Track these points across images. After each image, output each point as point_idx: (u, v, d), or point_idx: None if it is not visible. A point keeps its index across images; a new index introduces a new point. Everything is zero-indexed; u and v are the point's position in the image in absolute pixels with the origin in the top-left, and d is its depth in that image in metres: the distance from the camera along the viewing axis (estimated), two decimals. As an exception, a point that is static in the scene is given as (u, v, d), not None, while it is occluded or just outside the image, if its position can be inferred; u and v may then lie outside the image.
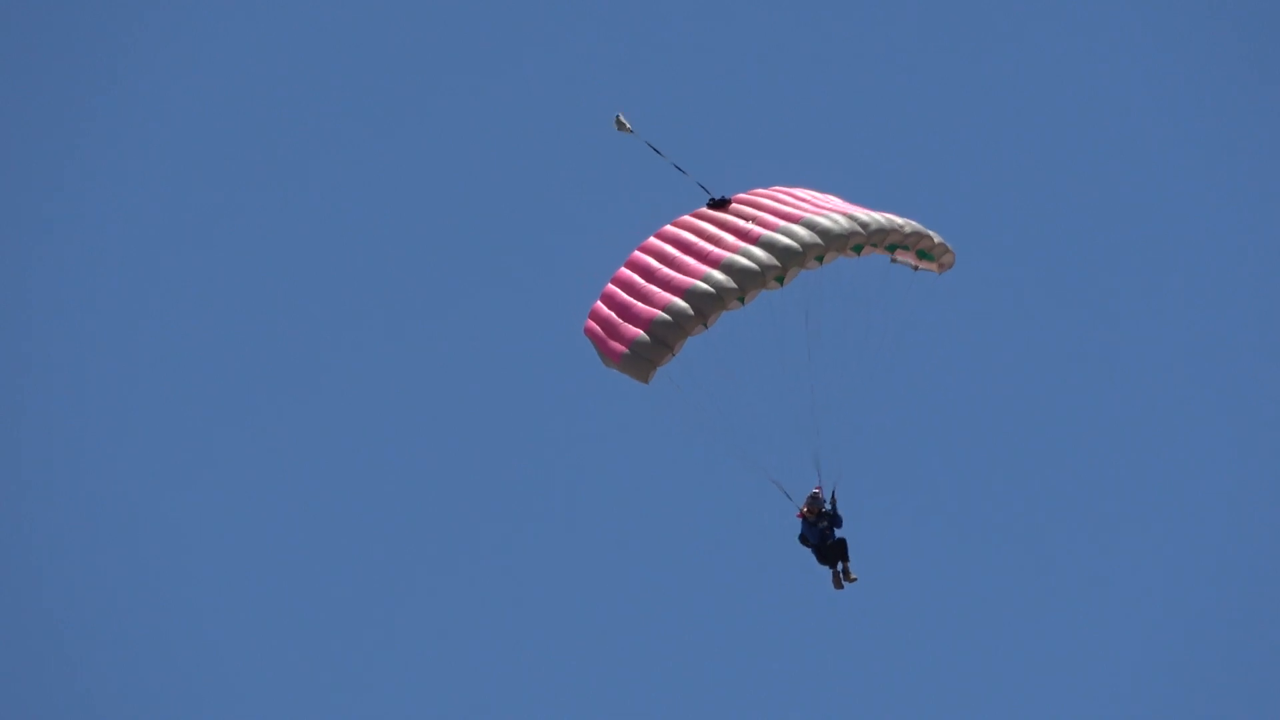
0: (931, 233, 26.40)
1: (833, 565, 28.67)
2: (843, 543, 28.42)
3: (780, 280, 25.53)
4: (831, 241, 25.19)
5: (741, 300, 25.76)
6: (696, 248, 26.41)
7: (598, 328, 26.46)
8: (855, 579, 28.77)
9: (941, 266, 26.99)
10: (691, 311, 25.68)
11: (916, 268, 27.03)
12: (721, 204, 27.01)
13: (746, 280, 25.39)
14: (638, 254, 26.89)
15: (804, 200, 26.68)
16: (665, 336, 25.78)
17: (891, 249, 26.32)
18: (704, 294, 25.75)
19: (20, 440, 78.01)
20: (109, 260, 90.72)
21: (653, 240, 26.92)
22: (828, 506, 28.14)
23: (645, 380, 25.89)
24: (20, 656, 66.13)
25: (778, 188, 27.46)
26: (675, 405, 26.48)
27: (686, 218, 27.19)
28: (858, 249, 25.74)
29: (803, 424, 26.94)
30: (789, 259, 25.33)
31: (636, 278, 26.56)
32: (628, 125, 27.62)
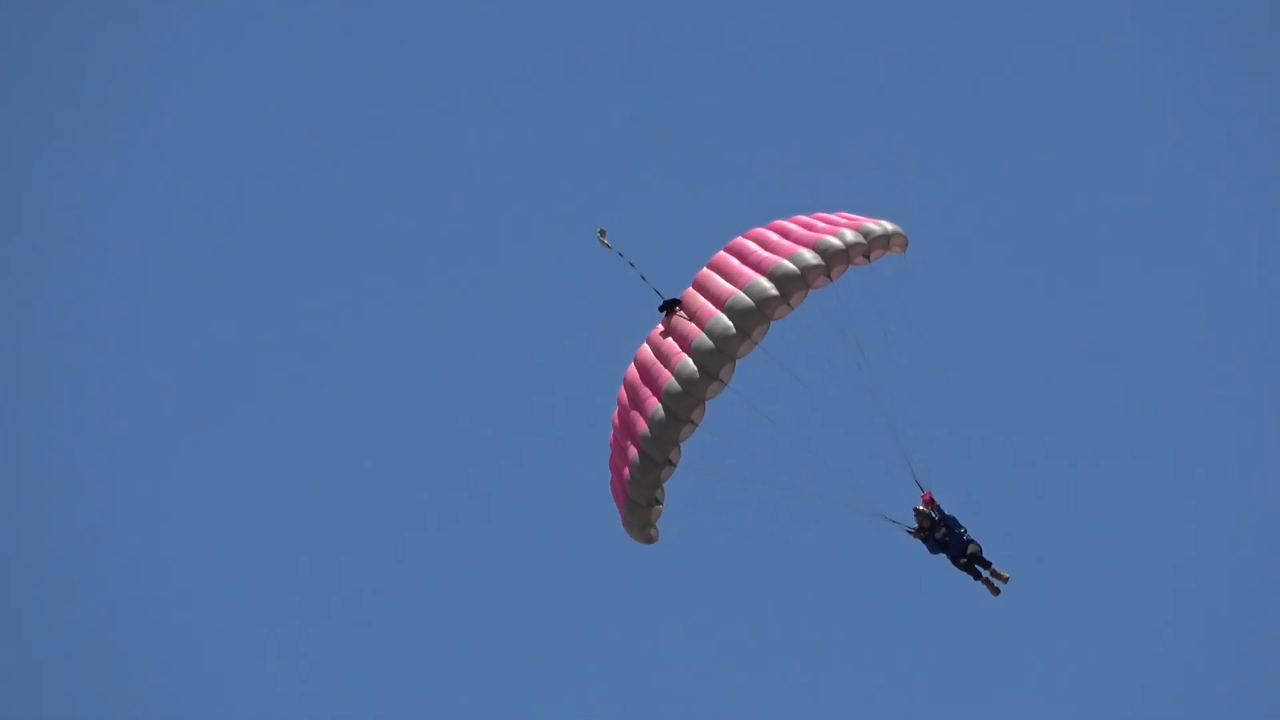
0: (864, 236, 24.03)
1: (977, 575, 25.85)
2: (973, 546, 25.57)
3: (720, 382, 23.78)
4: (761, 319, 23.46)
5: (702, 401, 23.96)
6: (652, 379, 24.63)
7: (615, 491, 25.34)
8: (1007, 578, 25.81)
9: (897, 247, 24.51)
10: (655, 458, 24.06)
11: (870, 260, 24.48)
12: (670, 306, 25.15)
13: (677, 413, 23.73)
14: (622, 393, 25.38)
15: (735, 272, 24.53)
16: (640, 494, 24.21)
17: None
18: (656, 430, 24.13)
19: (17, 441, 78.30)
20: (95, 259, 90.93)
21: (627, 380, 25.31)
22: (934, 515, 25.38)
23: (646, 539, 24.58)
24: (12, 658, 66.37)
25: (722, 254, 25.30)
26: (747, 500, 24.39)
27: (649, 341, 25.38)
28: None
29: (872, 444, 24.48)
30: (708, 373, 23.92)
31: (620, 423, 25.17)
32: (607, 242, 26.19)
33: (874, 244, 23.80)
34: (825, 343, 24.52)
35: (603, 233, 25.87)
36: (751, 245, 24.31)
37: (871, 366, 24.22)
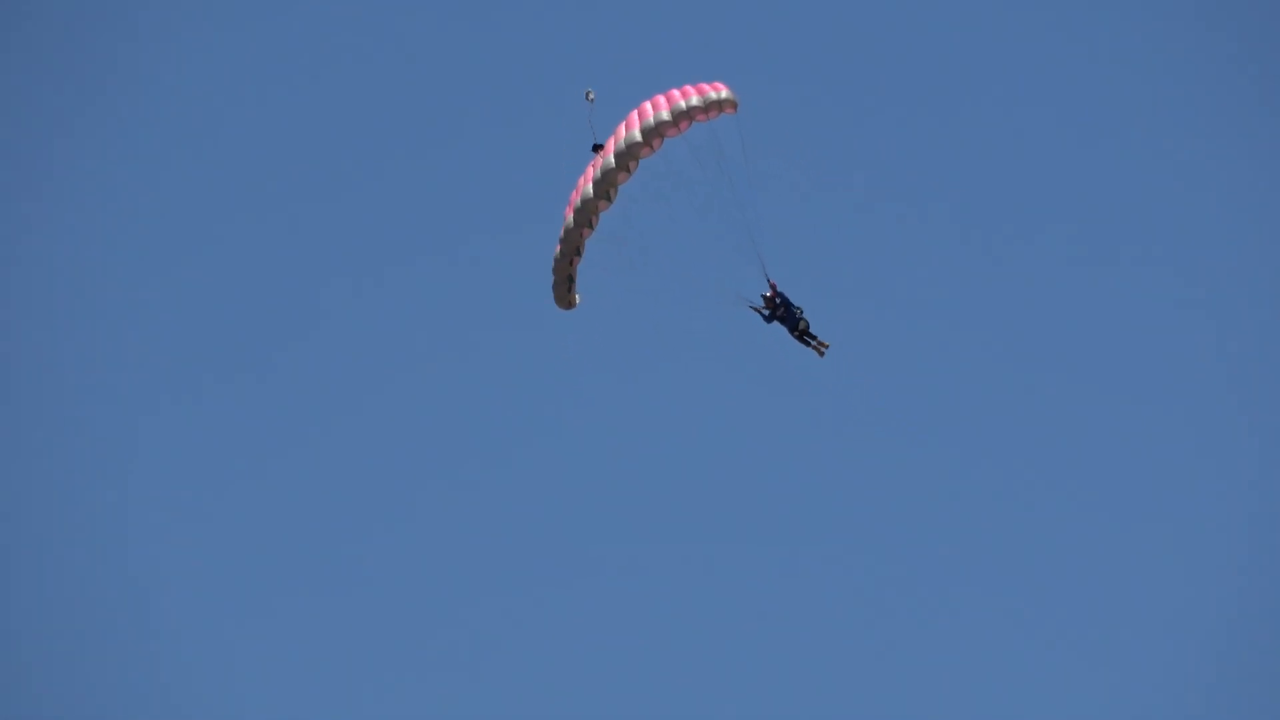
0: (697, 101, 34.29)
1: (807, 343, 35.95)
2: (803, 322, 35.72)
3: (613, 190, 34.03)
4: (627, 156, 33.73)
5: (608, 199, 34.17)
6: (575, 194, 35.32)
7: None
8: (828, 345, 35.90)
9: (731, 108, 34.74)
10: (572, 225, 34.33)
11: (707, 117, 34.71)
12: (595, 148, 35.71)
13: (589, 202, 34.01)
14: None
15: (617, 134, 35.02)
16: (561, 252, 34.65)
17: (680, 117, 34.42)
18: (575, 215, 34.44)
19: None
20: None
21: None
22: (777, 299, 35.51)
23: (563, 305, 34.61)
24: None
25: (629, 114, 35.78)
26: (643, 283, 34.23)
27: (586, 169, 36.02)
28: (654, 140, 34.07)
29: (738, 246, 34.46)
30: (606, 182, 34.21)
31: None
32: (592, 98, 36.19)
33: (691, 113, 34.53)
34: (702, 176, 34.74)
35: (589, 93, 35.84)
36: (633, 113, 35.18)
37: (735, 194, 34.38)
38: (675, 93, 34.93)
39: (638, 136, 34.33)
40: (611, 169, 34.37)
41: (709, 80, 35.21)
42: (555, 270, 35.37)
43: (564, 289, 35.26)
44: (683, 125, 34.57)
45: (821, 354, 35.98)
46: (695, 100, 34.60)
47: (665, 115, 34.51)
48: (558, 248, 35.21)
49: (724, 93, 34.99)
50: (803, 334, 35.89)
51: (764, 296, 35.94)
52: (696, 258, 34.48)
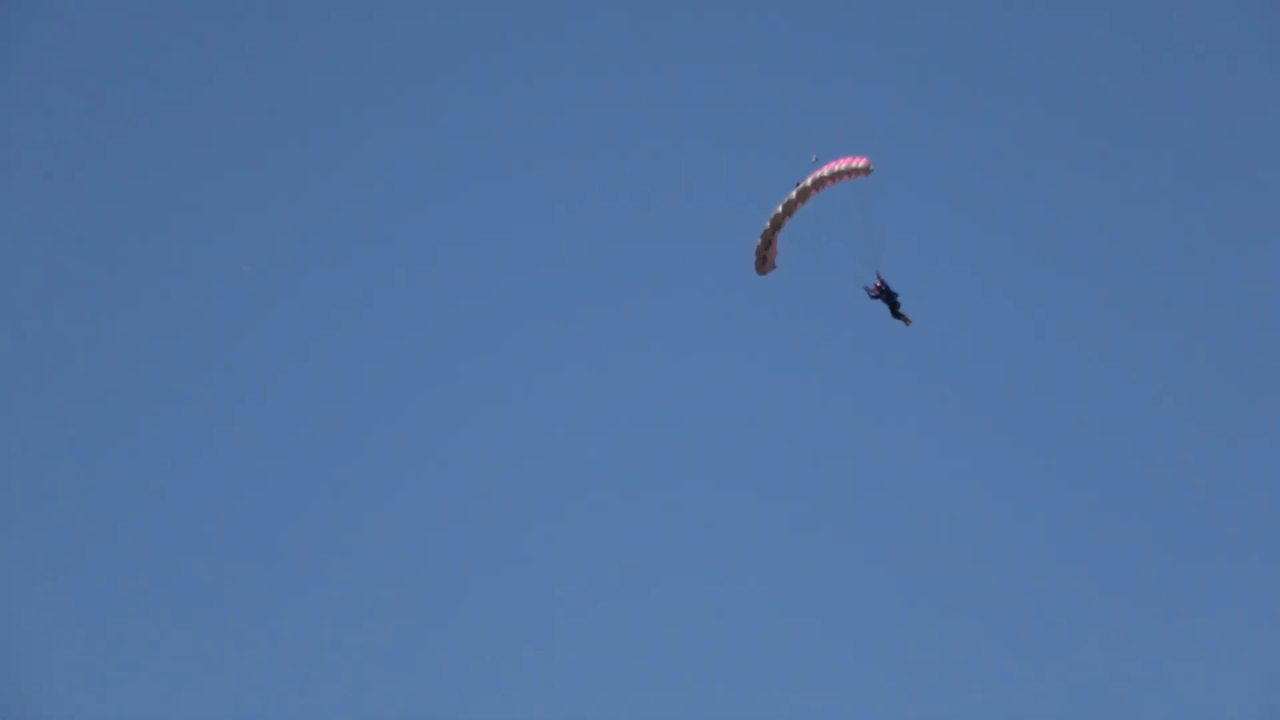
0: (830, 174, 52.86)
1: (901, 319, 55.98)
2: (899, 304, 55.71)
3: (789, 216, 53.28)
4: (792, 204, 52.91)
5: (790, 215, 53.61)
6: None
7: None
8: (910, 320, 55.91)
9: (866, 173, 53.32)
10: (768, 226, 54.05)
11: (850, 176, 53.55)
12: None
13: (776, 217, 53.54)
14: None
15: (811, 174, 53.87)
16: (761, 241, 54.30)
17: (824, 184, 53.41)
18: (771, 220, 54.09)
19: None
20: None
21: None
22: (884, 286, 55.53)
23: (760, 271, 54.34)
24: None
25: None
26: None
27: None
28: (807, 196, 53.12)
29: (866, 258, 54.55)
30: (784, 211, 53.31)
31: None
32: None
33: (827, 181, 52.71)
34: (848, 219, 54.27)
35: (815, 158, 53.65)
36: (808, 178, 53.77)
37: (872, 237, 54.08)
38: (825, 169, 53.19)
39: (793, 195, 53.13)
40: (786, 207, 53.45)
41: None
42: (758, 249, 54.20)
43: (762, 259, 53.92)
44: (829, 185, 53.12)
45: (908, 324, 55.69)
46: (840, 168, 53.15)
47: (808, 183, 52.74)
48: (760, 238, 54.25)
49: (860, 163, 53.50)
50: (895, 311, 55.52)
51: (874, 286, 55.69)
52: (840, 256, 54.74)
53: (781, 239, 54.22)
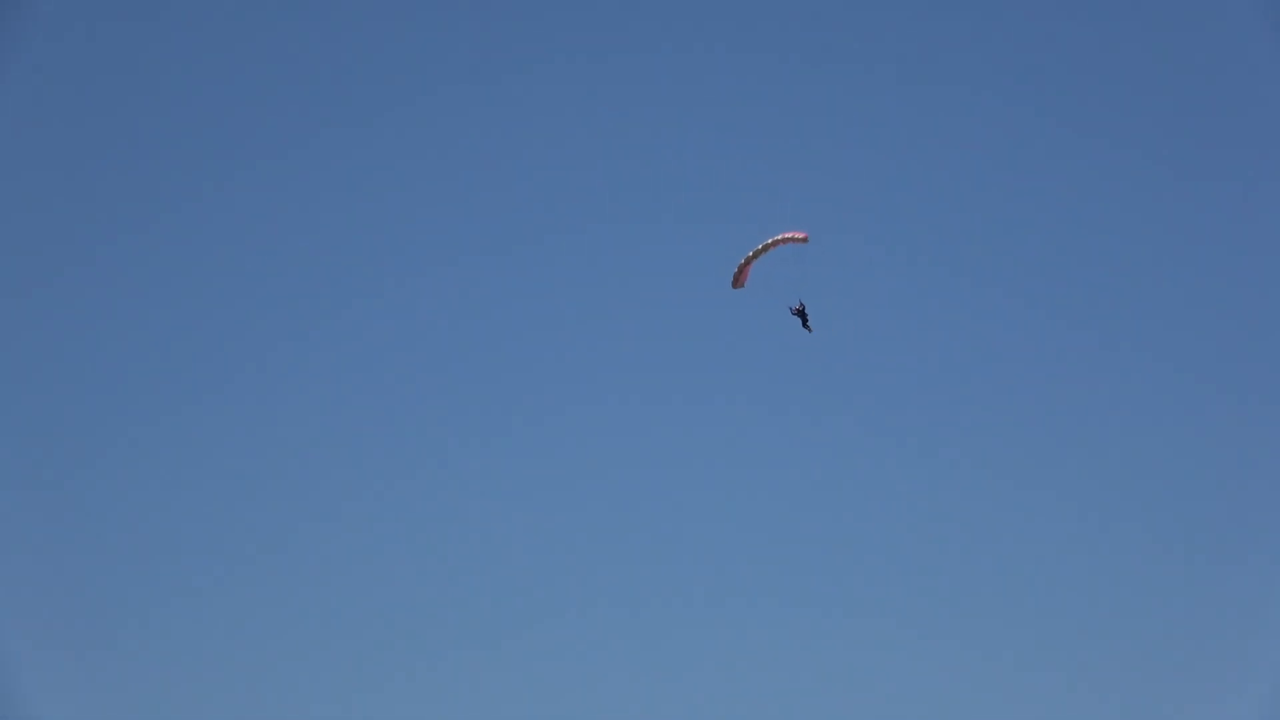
0: (783, 238, 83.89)
1: (805, 326, 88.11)
2: (808, 323, 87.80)
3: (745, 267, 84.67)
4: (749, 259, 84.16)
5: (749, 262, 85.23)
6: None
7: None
8: (811, 330, 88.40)
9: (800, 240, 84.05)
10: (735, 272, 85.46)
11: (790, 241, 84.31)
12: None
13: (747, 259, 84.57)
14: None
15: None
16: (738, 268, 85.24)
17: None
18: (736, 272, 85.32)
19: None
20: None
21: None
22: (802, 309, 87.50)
23: (734, 286, 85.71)
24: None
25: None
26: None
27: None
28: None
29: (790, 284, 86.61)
30: (743, 264, 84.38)
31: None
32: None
33: (766, 249, 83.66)
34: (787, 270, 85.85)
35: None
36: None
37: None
38: (782, 235, 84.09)
39: (742, 261, 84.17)
40: (755, 253, 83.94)
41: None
42: (735, 273, 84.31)
43: (736, 278, 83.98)
44: (773, 247, 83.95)
45: (809, 331, 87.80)
46: (780, 237, 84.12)
47: (740, 261, 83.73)
48: (738, 267, 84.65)
49: (799, 235, 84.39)
50: (804, 323, 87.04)
51: (795, 310, 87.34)
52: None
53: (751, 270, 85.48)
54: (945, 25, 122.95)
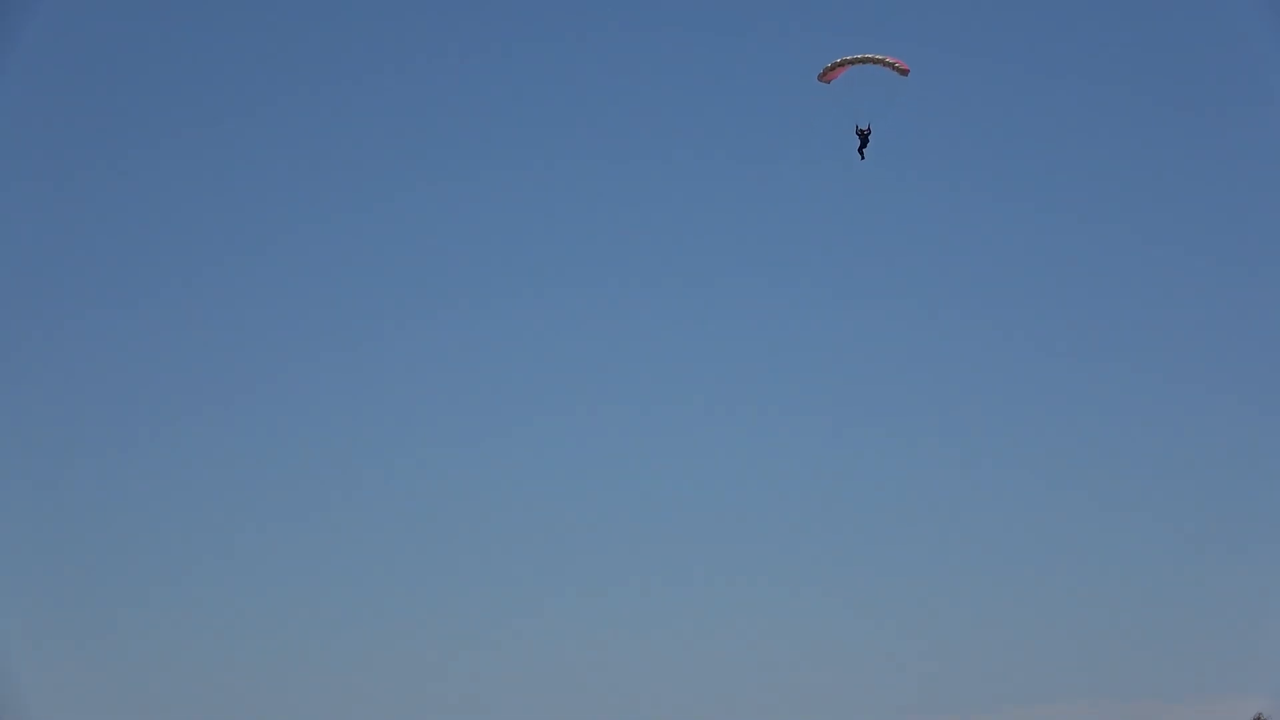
0: (886, 59, 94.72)
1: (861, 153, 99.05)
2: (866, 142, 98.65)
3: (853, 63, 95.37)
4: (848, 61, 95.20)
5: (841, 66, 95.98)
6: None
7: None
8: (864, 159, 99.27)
9: (900, 71, 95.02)
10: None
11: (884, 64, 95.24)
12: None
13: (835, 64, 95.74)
14: None
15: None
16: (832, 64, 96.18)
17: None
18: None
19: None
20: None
21: None
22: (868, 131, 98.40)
23: (821, 78, 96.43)
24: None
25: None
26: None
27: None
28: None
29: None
30: (840, 63, 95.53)
31: None
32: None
33: (867, 61, 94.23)
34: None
35: None
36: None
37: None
38: (877, 55, 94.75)
39: (840, 60, 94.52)
40: (854, 59, 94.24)
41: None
42: (828, 66, 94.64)
43: (827, 71, 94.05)
44: (874, 63, 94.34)
45: (862, 158, 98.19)
46: (885, 58, 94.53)
47: (861, 55, 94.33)
48: (834, 62, 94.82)
49: (902, 65, 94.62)
50: (862, 146, 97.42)
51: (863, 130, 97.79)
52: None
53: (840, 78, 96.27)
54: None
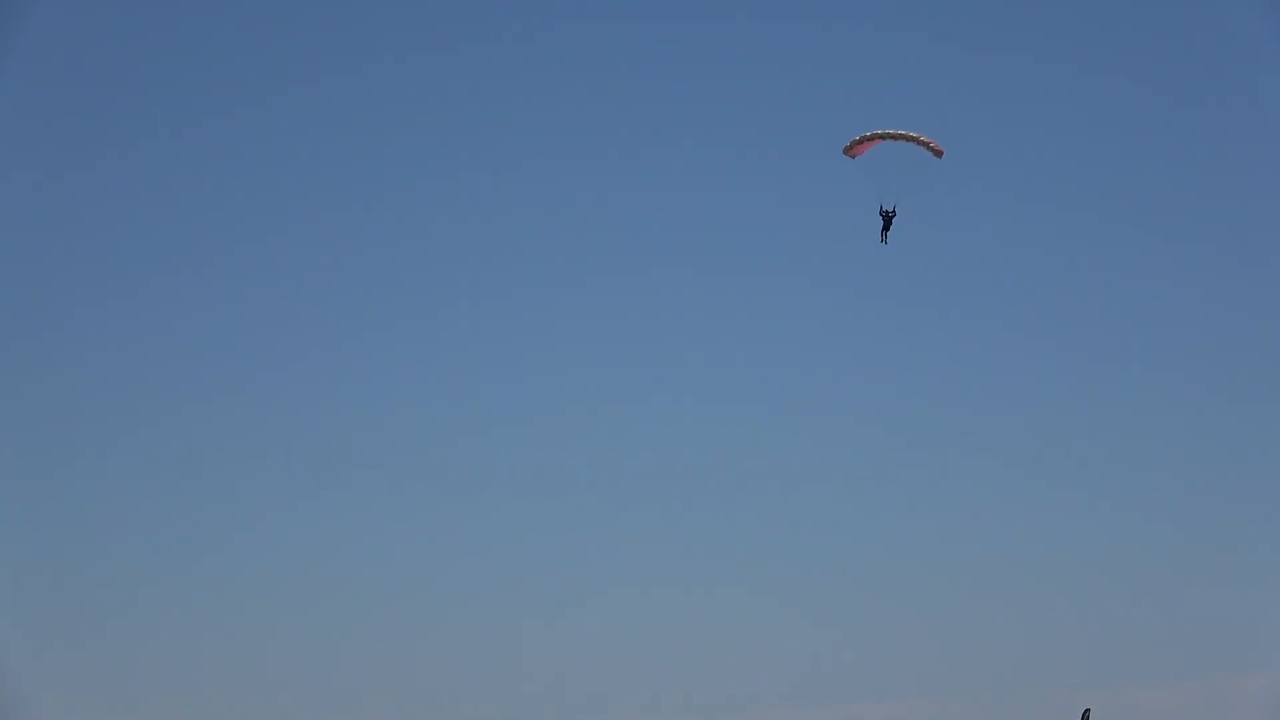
0: (921, 138, 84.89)
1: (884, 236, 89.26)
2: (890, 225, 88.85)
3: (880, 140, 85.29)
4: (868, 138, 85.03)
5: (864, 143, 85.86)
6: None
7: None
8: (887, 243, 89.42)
9: (935, 152, 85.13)
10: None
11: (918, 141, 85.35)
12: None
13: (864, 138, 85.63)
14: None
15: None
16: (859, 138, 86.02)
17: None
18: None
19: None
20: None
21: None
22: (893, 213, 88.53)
23: (848, 153, 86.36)
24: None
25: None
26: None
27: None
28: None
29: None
30: (870, 136, 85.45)
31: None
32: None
33: (899, 137, 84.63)
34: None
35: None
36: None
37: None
38: (911, 132, 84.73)
39: (870, 134, 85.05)
40: (881, 135, 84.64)
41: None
42: (855, 140, 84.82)
43: (853, 147, 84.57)
44: (906, 140, 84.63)
45: (884, 241, 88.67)
46: (919, 136, 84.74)
47: (894, 131, 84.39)
48: (860, 137, 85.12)
49: (936, 145, 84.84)
50: (885, 227, 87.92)
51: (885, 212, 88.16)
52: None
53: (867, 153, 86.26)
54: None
